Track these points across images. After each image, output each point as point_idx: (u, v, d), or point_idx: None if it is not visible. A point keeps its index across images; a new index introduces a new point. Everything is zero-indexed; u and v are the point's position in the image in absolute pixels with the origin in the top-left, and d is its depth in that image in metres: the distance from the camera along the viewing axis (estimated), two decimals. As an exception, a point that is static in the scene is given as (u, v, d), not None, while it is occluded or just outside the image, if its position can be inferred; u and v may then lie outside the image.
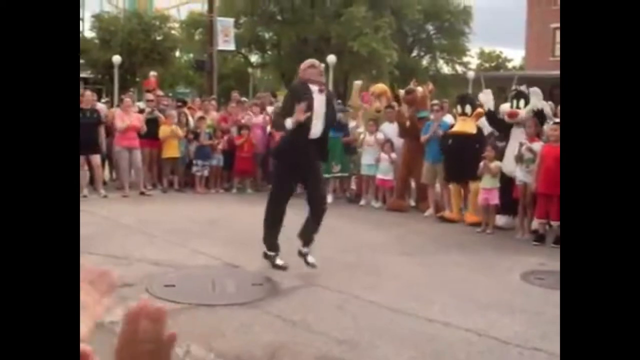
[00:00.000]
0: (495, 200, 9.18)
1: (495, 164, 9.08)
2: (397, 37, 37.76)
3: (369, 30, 34.02)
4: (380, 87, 12.61)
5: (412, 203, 11.35)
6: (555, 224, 8.55)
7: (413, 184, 11.33)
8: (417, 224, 9.89)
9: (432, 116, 10.62)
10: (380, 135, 11.33)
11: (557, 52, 40.11)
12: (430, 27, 44.78)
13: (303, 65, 6.70)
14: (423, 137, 10.43)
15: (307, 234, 6.61)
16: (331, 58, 28.67)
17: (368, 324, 5.12)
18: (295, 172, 6.61)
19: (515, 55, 72.22)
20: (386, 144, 11.16)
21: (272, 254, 6.59)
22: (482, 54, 60.74)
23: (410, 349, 4.64)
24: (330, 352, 4.54)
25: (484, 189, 9.21)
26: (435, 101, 11.23)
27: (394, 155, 11.09)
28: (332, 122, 6.82)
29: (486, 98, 10.05)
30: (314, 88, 6.43)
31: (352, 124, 12.14)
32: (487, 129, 10.47)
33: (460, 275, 6.85)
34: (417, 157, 10.69)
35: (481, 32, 70.74)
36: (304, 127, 6.30)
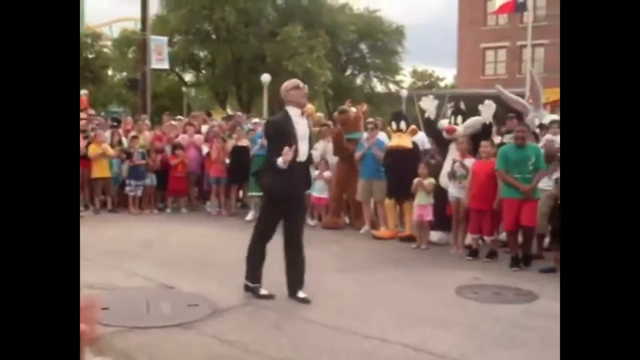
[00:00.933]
0: (429, 216, 9.31)
1: (428, 181, 9.21)
2: (331, 56, 38.18)
3: (304, 49, 34.23)
4: (308, 108, 12.60)
5: (347, 221, 11.41)
6: (488, 238, 8.72)
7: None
8: (353, 241, 9.94)
9: (366, 135, 10.71)
10: (315, 154, 11.37)
11: (488, 72, 41.24)
12: (363, 47, 45.44)
13: (286, 86, 6.44)
14: (357, 155, 10.50)
15: (297, 280, 6.40)
16: (265, 77, 28.76)
17: (305, 343, 5.10)
18: (282, 204, 6.29)
19: (447, 74, 73.87)
20: (321, 162, 11.20)
21: (256, 285, 6.37)
22: (415, 73, 61.99)
23: (348, 366, 4.65)
24: (267, 372, 4.51)
25: (418, 205, 9.33)
26: (370, 119, 11.33)
27: (327, 173, 11.13)
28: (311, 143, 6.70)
29: (428, 105, 10.14)
30: (296, 112, 6.27)
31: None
32: (422, 146, 10.64)
33: (397, 290, 6.90)
34: (350, 175, 10.76)
35: (414, 51, 71.98)
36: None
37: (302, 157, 6.27)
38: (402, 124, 10.16)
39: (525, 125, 8.74)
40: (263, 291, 6.36)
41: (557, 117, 10.54)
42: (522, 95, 12.25)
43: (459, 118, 9.55)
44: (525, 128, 8.52)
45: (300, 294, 6.29)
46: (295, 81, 6.55)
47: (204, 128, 13.79)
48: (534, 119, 10.27)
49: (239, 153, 11.98)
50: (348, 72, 46.38)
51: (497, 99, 10.18)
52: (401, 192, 9.79)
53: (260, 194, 11.51)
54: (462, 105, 9.81)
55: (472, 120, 9.42)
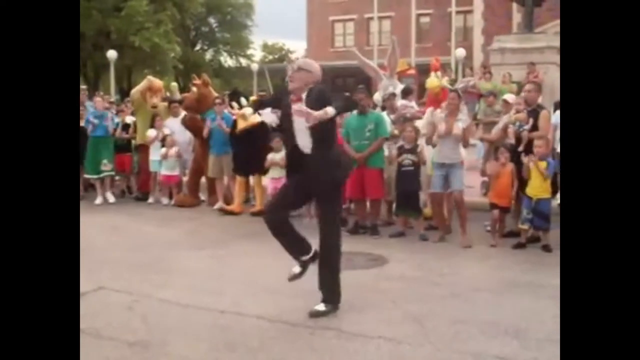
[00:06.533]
0: (282, 189, 9.40)
1: (281, 156, 9.27)
2: (179, 31, 37.45)
3: (151, 24, 33.33)
4: (156, 82, 12.31)
5: (203, 198, 11.32)
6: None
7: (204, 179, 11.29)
8: (207, 217, 9.89)
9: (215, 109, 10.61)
10: (166, 131, 11.15)
11: (337, 44, 41.93)
12: (212, 21, 44.99)
13: None
14: (205, 131, 10.40)
15: (323, 287, 5.43)
16: (111, 53, 27.80)
17: (159, 323, 5.04)
18: (298, 183, 5.39)
19: (298, 47, 74.30)
20: (169, 139, 10.99)
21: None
22: (265, 46, 61.92)
23: (204, 343, 4.64)
24: (122, 357, 4.41)
25: (272, 178, 9.41)
26: (216, 95, 11.24)
27: (175, 149, 10.95)
28: (321, 134, 5.10)
29: (268, 118, 9.83)
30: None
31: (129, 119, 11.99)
32: (273, 124, 10.68)
33: (250, 264, 6.95)
34: (206, 151, 10.67)
35: (264, 24, 71.88)
36: (289, 138, 5.30)
37: (304, 148, 5.21)
38: (243, 100, 10.20)
39: (365, 91, 8.90)
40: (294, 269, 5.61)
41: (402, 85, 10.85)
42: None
43: None
44: (363, 95, 8.67)
45: (316, 306, 5.32)
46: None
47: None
48: (387, 86, 10.55)
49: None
50: (197, 46, 45.71)
51: (350, 71, 10.42)
52: (249, 167, 9.84)
53: (95, 176, 11.24)
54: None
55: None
